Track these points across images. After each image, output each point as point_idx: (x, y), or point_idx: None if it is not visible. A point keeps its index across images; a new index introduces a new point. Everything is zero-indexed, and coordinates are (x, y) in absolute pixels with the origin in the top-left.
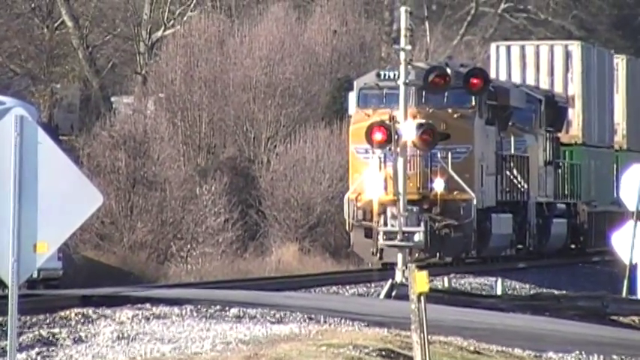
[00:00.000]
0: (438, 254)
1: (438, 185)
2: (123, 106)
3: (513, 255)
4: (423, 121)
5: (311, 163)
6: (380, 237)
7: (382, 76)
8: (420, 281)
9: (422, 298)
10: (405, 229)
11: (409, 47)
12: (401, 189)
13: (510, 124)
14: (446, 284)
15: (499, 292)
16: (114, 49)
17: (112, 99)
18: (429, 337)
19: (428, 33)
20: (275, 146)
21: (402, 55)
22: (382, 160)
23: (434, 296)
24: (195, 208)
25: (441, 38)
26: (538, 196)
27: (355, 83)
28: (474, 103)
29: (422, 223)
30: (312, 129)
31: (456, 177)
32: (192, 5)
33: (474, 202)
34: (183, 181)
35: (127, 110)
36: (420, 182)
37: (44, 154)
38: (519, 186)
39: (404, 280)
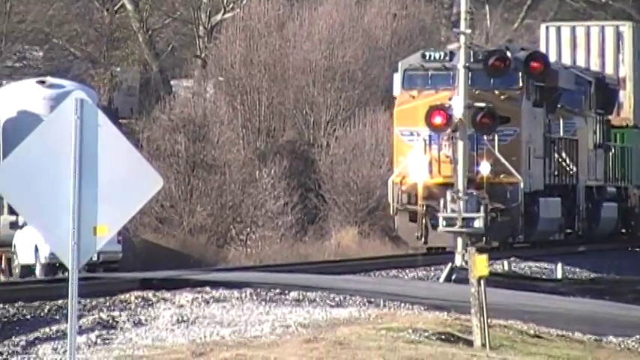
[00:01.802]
0: (484, 239)
1: (484, 168)
2: (182, 89)
3: (562, 240)
4: (483, 104)
5: (370, 146)
6: (440, 222)
7: (428, 57)
8: (480, 265)
9: (482, 281)
10: (465, 215)
11: (469, 31)
12: (461, 173)
13: (559, 106)
14: (505, 268)
15: (559, 276)
16: (173, 32)
17: (172, 82)
18: (489, 320)
19: (488, 16)
20: (334, 130)
21: (462, 38)
22: (427, 142)
23: (493, 280)
24: (255, 191)
25: (500, 22)
26: (587, 179)
27: (400, 64)
28: (521, 84)
29: (481, 208)
30: (372, 112)
31: (502, 160)
32: None
33: (521, 185)
34: (242, 164)
35: (186, 94)
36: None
37: (104, 137)
38: (568, 169)
39: (464, 264)
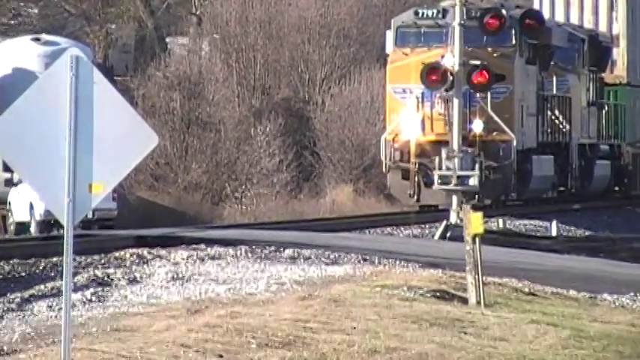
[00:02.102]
0: (476, 196)
1: (477, 126)
2: (178, 47)
3: (555, 197)
4: (478, 62)
5: (365, 104)
6: (435, 180)
7: (420, 15)
8: (475, 223)
9: (477, 239)
10: (459, 172)
11: None
12: (456, 131)
13: (552, 63)
14: (500, 225)
15: (554, 234)
16: None
17: (167, 40)
18: (484, 278)
19: None
20: (330, 87)
21: None
22: (420, 100)
23: (488, 238)
24: (250, 149)
25: None
26: (581, 137)
27: (393, 22)
28: (514, 41)
29: (476, 166)
30: (367, 70)
31: (495, 117)
32: None
33: (514, 143)
34: (237, 122)
35: (181, 51)
36: None
37: (100, 94)
38: (561, 127)
39: (458, 222)
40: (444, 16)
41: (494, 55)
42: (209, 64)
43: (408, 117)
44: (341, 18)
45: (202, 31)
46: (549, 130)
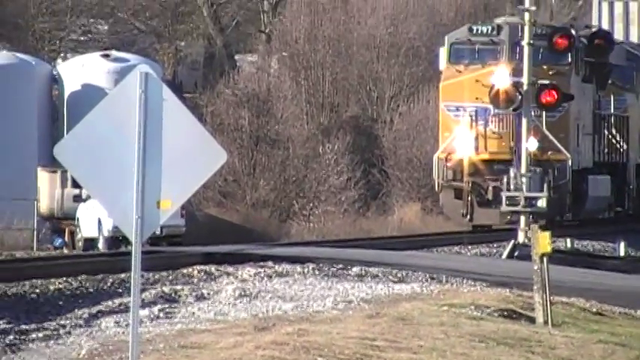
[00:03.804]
0: (531, 216)
1: (532, 144)
2: (247, 64)
3: (612, 218)
4: (547, 81)
5: (434, 122)
6: (503, 202)
7: (475, 31)
8: (543, 242)
9: (544, 258)
10: (527, 194)
11: (534, 8)
12: (524, 151)
13: (610, 82)
14: (568, 245)
15: (622, 254)
16: (238, 6)
17: (236, 57)
18: (551, 297)
19: None
20: (398, 105)
21: (527, 15)
22: (473, 117)
23: (556, 257)
24: (318, 166)
25: None
26: (638, 157)
27: (446, 38)
28: (570, 59)
29: (545, 187)
30: (435, 89)
31: (550, 136)
32: None
33: (569, 162)
34: (306, 139)
35: (250, 68)
36: (512, 141)
37: (169, 111)
38: (618, 146)
39: (526, 241)
40: (498, 33)
41: (550, 72)
42: (278, 82)
43: (462, 135)
44: (410, 37)
45: (271, 49)
46: (606, 150)
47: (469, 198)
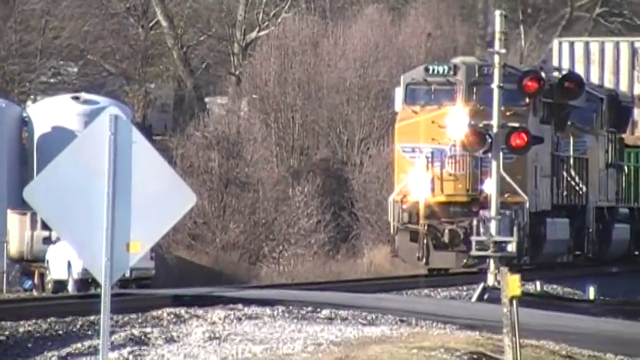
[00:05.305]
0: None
1: (488, 187)
2: (216, 106)
3: (571, 262)
4: (517, 124)
5: None
6: (473, 246)
7: (431, 71)
8: (512, 285)
9: (514, 301)
10: (497, 238)
11: (504, 51)
12: (495, 193)
13: (569, 123)
14: (538, 288)
15: (591, 297)
16: (208, 49)
17: (206, 99)
18: (521, 340)
19: (522, 36)
20: (368, 148)
21: (497, 58)
22: (429, 159)
23: (525, 300)
24: (288, 209)
25: (535, 42)
26: (598, 200)
27: (402, 78)
28: (527, 100)
29: (515, 230)
30: None
31: (507, 178)
32: (286, 7)
33: (527, 205)
34: (275, 182)
35: (220, 111)
36: (469, 184)
37: (138, 153)
38: (577, 189)
39: (496, 284)
40: (455, 73)
41: (507, 113)
42: (247, 124)
43: (417, 177)
44: (380, 79)
45: (241, 91)
46: (565, 193)
47: (425, 241)
